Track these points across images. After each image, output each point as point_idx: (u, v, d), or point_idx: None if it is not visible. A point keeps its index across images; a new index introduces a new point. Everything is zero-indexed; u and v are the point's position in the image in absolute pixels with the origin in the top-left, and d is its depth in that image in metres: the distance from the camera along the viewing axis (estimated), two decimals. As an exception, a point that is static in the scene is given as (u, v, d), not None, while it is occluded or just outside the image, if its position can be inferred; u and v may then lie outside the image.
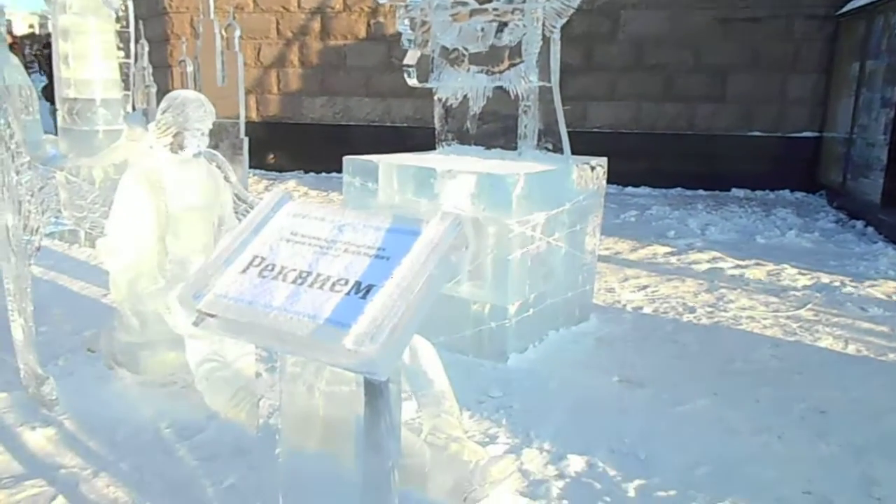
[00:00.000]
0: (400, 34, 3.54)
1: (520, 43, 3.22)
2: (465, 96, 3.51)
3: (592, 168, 3.37)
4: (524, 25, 3.18)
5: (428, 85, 3.57)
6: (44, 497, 1.97)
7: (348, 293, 1.25)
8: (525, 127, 3.32)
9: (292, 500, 1.55)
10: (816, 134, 8.35)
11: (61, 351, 2.96)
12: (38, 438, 2.29)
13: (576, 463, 2.21)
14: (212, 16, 5.58)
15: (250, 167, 5.96)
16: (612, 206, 6.57)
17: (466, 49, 3.39)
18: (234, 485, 2.04)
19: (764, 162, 8.35)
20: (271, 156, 9.48)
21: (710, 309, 3.88)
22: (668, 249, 5.36)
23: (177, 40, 9.18)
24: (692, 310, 3.86)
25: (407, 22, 3.47)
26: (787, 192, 8.29)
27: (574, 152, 3.38)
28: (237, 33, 5.55)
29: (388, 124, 9.18)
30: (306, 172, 9.43)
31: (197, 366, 2.39)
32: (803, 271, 4.74)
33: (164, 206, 2.48)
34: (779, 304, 4.01)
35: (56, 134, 3.50)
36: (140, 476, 2.08)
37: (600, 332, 3.44)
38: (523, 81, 3.24)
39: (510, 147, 3.44)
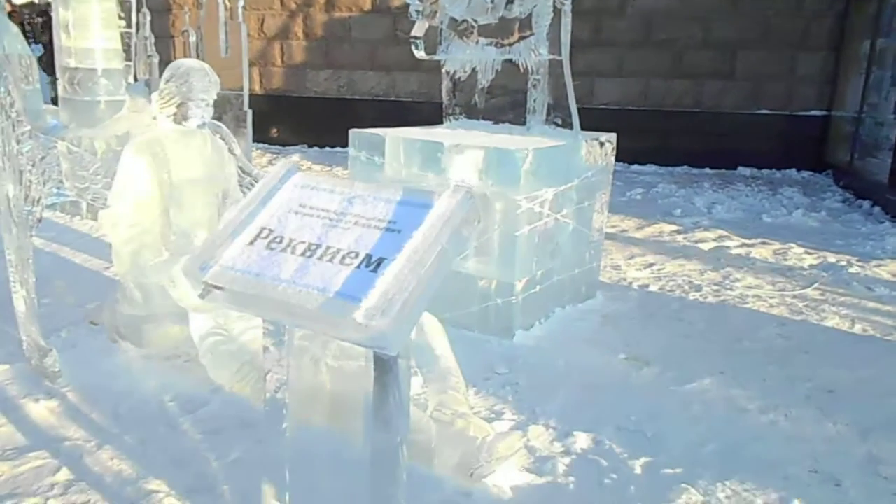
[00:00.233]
0: (407, 6, 3.46)
1: (530, 15, 3.15)
2: (473, 69, 3.45)
3: (601, 144, 3.32)
4: (535, -3, 3.12)
5: (436, 57, 3.51)
6: (48, 469, 1.96)
7: (358, 266, 1.22)
8: (534, 101, 3.26)
9: (299, 474, 1.53)
10: (824, 112, 8.28)
11: (64, 323, 2.94)
12: (41, 410, 2.28)
13: (582, 440, 2.20)
14: (215, -15, 5.49)
15: (253, 141, 5.91)
16: (619, 183, 6.51)
17: (475, 21, 3.32)
18: (240, 458, 2.03)
19: (771, 140, 8.29)
20: (274, 129, 9.41)
21: (716, 287, 3.86)
22: (674, 227, 5.34)
23: (179, 10, 9.07)
24: (698, 288, 3.84)
25: (415, -8, 3.40)
26: (793, 172, 8.23)
27: (581, 129, 3.33)
28: (241, 3, 5.47)
29: (393, 98, 9.10)
30: (310, 147, 9.37)
31: (201, 339, 2.37)
32: (810, 251, 4.71)
33: (167, 178, 2.44)
34: (785, 284, 3.99)
35: (52, 105, 3.46)
36: (144, 449, 2.07)
37: (606, 310, 3.42)
38: (533, 54, 3.18)
39: (519, 122, 3.39)
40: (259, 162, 7.84)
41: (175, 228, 2.51)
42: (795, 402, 2.53)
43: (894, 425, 2.39)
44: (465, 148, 2.92)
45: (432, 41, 3.44)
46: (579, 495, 1.93)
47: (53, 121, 3.08)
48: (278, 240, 1.32)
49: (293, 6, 9.12)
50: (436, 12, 3.38)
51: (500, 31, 3.28)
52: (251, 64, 8.06)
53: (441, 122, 3.73)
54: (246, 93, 5.23)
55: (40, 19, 8.30)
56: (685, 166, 8.43)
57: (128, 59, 3.65)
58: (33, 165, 2.42)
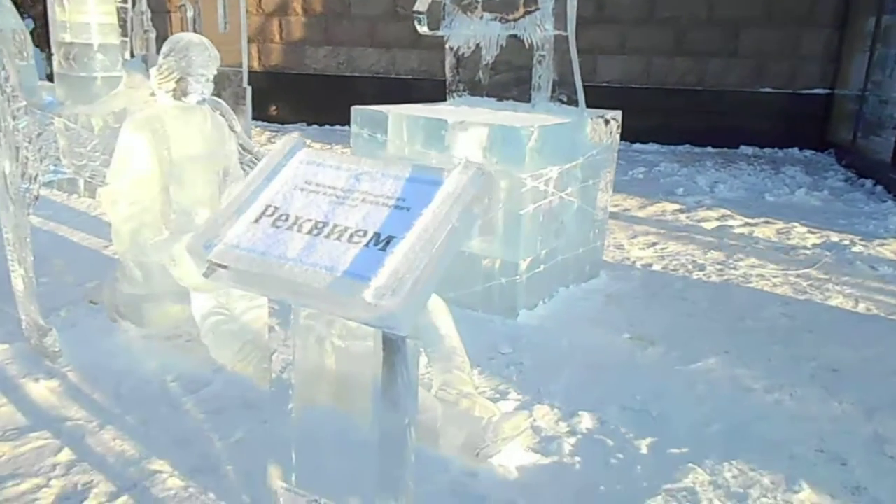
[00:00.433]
0: (408, -20, 3.40)
1: (535, -11, 3.09)
2: (477, 45, 3.38)
3: (607, 122, 3.27)
4: (540, -30, 3.05)
5: (439, 33, 3.44)
6: (49, 449, 1.95)
7: (367, 245, 1.19)
8: (539, 78, 3.21)
9: (305, 455, 1.52)
10: (828, 91, 8.21)
11: (63, 303, 2.91)
12: (41, 390, 2.26)
13: (587, 420, 2.19)
14: (212, -42, 5.38)
15: (252, 118, 5.84)
16: (621, 162, 6.43)
17: (479, -5, 3.26)
18: (243, 438, 2.01)
19: (774, 119, 8.23)
20: (273, 107, 9.33)
21: (719, 266, 3.84)
22: (676, 207, 5.31)
23: (175, -15, 8.92)
24: (702, 267, 3.81)
25: (417, -34, 3.33)
26: (795, 150, 8.18)
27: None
28: (239, -23, 5.37)
29: (394, 76, 9.00)
30: (309, 125, 9.28)
31: (203, 319, 2.35)
32: (813, 230, 4.69)
33: (167, 155, 2.40)
34: (788, 263, 3.97)
35: (48, 81, 3.40)
36: (146, 429, 2.06)
37: (610, 289, 3.40)
38: (538, 30, 3.12)
39: (523, 98, 3.33)
40: (258, 140, 7.77)
41: (175, 206, 2.47)
42: (800, 382, 2.52)
43: (900, 405, 2.39)
44: (469, 125, 2.87)
45: (436, 16, 3.38)
46: (586, 475, 1.92)
47: (49, 97, 3.03)
48: (284, 217, 1.29)
49: (291, -19, 9.00)
50: (439, -14, 3.31)
51: (504, 6, 3.21)
52: (249, 40, 7.95)
53: (443, 100, 3.67)
54: (245, 69, 5.15)
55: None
56: (687, 145, 8.37)
57: (124, 34, 3.57)
58: (30, 142, 2.37)
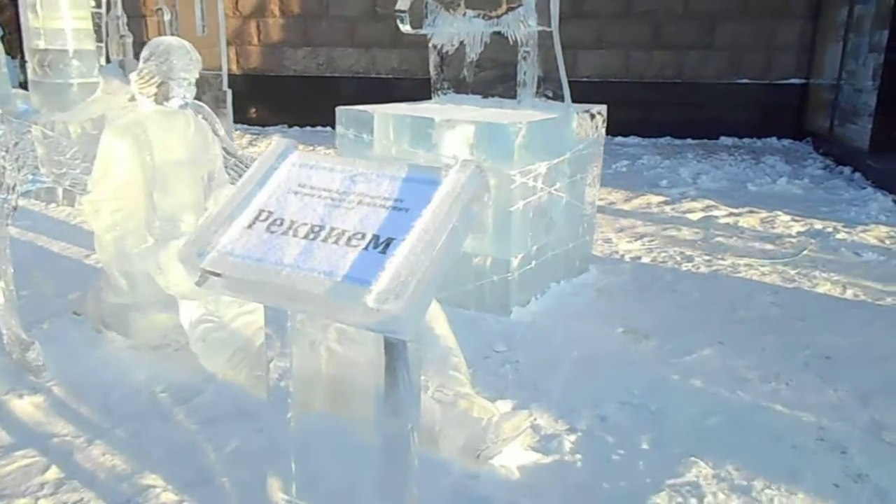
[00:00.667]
0: (388, -20, 3.36)
1: (518, -15, 3.07)
2: (461, 43, 3.35)
3: (592, 116, 3.26)
4: (521, -34, 3.03)
5: (422, 31, 3.41)
6: (36, 468, 1.88)
7: (366, 248, 1.16)
8: (524, 74, 3.18)
9: (305, 465, 1.48)
10: (803, 81, 8.29)
11: (45, 315, 2.84)
12: (25, 406, 2.19)
13: (586, 416, 2.17)
14: (186, -39, 5.31)
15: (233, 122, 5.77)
16: (604, 156, 6.47)
17: (462, -9, 3.23)
18: (238, 448, 1.97)
19: (751, 109, 8.31)
20: (253, 109, 9.23)
21: (707, 257, 3.85)
22: (661, 199, 5.32)
23: (149, -11, 8.80)
24: (690, 259, 3.82)
25: (399, -36, 3.29)
26: (773, 140, 8.26)
27: (570, 101, 3.28)
28: (214, -21, 5.30)
29: (374, 76, 8.94)
30: (290, 126, 9.20)
31: (192, 327, 2.30)
32: (796, 218, 4.73)
33: (149, 161, 2.34)
34: (775, 251, 3.99)
35: (22, 89, 3.31)
36: (138, 442, 2.00)
37: (601, 283, 3.39)
38: (522, 26, 3.10)
39: (509, 95, 3.31)
40: (240, 143, 7.67)
41: (160, 213, 2.42)
42: (795, 371, 2.53)
43: (893, 389, 2.39)
44: (456, 123, 2.84)
45: (418, 14, 3.34)
46: (588, 473, 1.90)
47: (24, 105, 2.95)
48: (278, 222, 1.25)
49: (267, -17, 8.91)
50: (420, -16, 3.27)
51: (487, 3, 3.19)
52: (227, 43, 7.85)
53: (426, 98, 3.64)
54: (225, 72, 5.09)
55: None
56: (668, 137, 8.42)
57: (99, 39, 3.49)
58: (6, 151, 2.31)
